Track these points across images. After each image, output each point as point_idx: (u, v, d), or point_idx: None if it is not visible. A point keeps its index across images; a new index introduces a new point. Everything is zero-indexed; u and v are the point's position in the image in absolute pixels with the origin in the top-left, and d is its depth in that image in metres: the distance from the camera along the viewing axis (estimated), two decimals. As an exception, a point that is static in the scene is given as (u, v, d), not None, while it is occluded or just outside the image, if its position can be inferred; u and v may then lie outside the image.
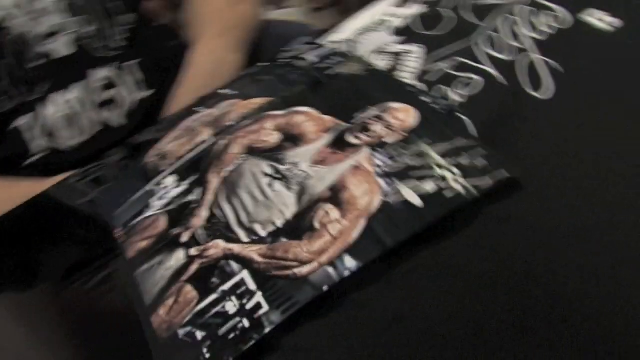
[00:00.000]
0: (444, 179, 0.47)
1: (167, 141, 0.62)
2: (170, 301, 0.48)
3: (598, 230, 0.41)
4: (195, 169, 0.57)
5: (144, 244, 0.53)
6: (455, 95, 0.56)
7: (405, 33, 0.66)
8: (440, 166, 0.48)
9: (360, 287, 0.43)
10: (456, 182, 0.46)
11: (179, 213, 0.54)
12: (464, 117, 0.52)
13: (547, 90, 0.52)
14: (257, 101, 0.62)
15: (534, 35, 0.57)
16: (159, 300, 0.48)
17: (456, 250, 0.44)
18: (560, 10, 0.59)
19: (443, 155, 0.49)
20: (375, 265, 0.43)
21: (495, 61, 0.56)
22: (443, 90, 0.57)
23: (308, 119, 0.57)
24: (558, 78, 0.53)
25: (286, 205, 0.50)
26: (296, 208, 0.49)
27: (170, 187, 0.57)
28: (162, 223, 0.54)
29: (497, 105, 0.53)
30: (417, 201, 0.46)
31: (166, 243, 0.52)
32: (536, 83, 0.53)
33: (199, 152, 0.59)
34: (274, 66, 0.66)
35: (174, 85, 0.78)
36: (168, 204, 0.55)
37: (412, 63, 0.62)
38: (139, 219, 0.56)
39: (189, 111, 0.65)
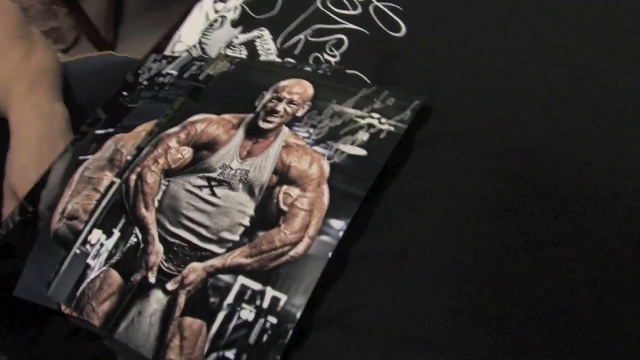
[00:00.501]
0: (371, 126, 0.52)
1: (66, 200, 0.58)
2: (176, 342, 0.46)
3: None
4: (119, 213, 0.54)
5: (106, 306, 0.50)
6: (330, 58, 0.60)
7: (243, 22, 0.69)
8: (361, 117, 0.53)
9: (360, 238, 0.47)
10: (383, 124, 0.52)
11: (129, 260, 0.51)
12: (353, 72, 0.58)
13: (401, 28, 0.60)
14: (143, 127, 0.60)
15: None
16: (162, 347, 0.46)
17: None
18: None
19: (357, 108, 0.54)
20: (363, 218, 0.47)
21: (348, 18, 0.63)
22: (316, 56, 0.61)
23: (209, 124, 0.57)
24: (403, 16, 0.61)
25: (242, 204, 0.51)
26: (254, 203, 0.50)
27: (101, 241, 0.53)
28: (115, 277, 0.51)
29: (370, 53, 0.59)
30: (360, 152, 0.51)
31: (134, 293, 0.50)
32: (391, 25, 0.60)
33: (111, 197, 0.56)
34: (139, 91, 0.64)
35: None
36: (110, 257, 0.52)
37: (267, 45, 0.65)
38: (83, 286, 0.52)
39: (72, 164, 0.60)
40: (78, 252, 0.54)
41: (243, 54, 0.66)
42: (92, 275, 0.52)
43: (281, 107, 0.56)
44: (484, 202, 0.47)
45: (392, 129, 0.51)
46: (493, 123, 0.51)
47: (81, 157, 0.60)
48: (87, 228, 0.55)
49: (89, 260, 0.53)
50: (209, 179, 0.53)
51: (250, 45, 0.66)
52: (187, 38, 0.69)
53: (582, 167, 0.46)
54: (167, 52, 0.69)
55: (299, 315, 0.44)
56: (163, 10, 1.88)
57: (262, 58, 0.64)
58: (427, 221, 0.47)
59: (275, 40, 0.65)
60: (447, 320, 0.42)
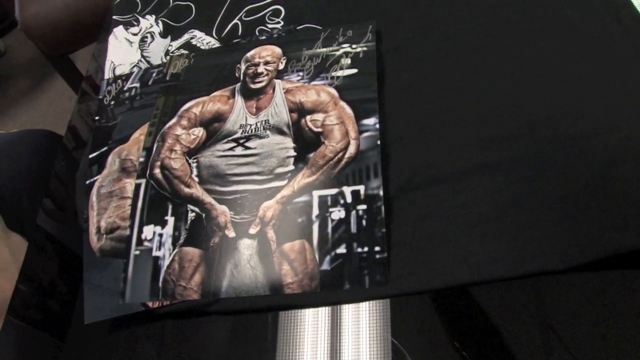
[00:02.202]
0: (346, 53, 0.61)
1: (94, 220, 0.57)
2: (285, 267, 0.50)
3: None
4: (160, 204, 0.56)
5: (197, 278, 0.52)
6: (273, 25, 0.69)
7: (169, 32, 0.74)
8: (334, 51, 0.62)
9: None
10: (356, 49, 0.61)
11: (197, 232, 0.54)
12: (305, 25, 0.66)
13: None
14: (138, 133, 0.62)
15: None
16: (275, 278, 0.50)
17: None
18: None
19: (326, 46, 0.63)
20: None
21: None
22: (259, 28, 0.69)
23: (204, 103, 0.62)
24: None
25: (280, 143, 0.56)
26: (289, 138, 0.56)
27: (157, 232, 0.55)
28: (193, 252, 0.53)
29: (307, 8, 0.69)
30: (352, 71, 0.60)
31: (219, 254, 0.52)
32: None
33: (143, 195, 0.57)
34: (109, 110, 0.66)
35: None
36: (176, 240, 0.54)
37: (205, 40, 0.71)
38: (162, 275, 0.53)
39: (82, 191, 0.60)
40: (137, 252, 0.54)
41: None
42: (165, 262, 0.53)
43: (261, 69, 0.63)
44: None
45: (365, 48, 0.61)
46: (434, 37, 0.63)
47: (88, 181, 0.60)
48: (135, 229, 0.56)
49: (155, 253, 0.54)
50: (236, 140, 0.58)
51: (188, 47, 0.71)
52: (123, 60, 0.72)
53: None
54: (104, 82, 0.71)
55: (381, 193, 0.51)
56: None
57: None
58: (415, 103, 0.57)
59: (209, 34, 0.71)
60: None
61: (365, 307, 0.48)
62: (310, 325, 0.49)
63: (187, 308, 0.52)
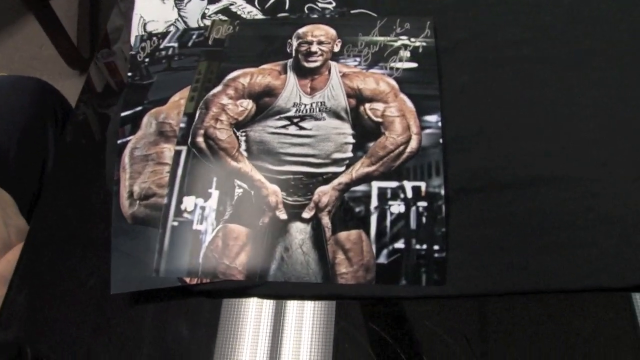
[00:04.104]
0: (405, 45, 0.60)
1: (127, 184, 0.53)
2: (340, 257, 0.48)
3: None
4: (202, 174, 0.53)
5: (242, 258, 0.49)
6: (325, 5, 0.66)
7: (209, -7, 0.70)
8: (392, 41, 0.60)
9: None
10: (414, 42, 0.60)
11: (245, 209, 0.51)
12: (360, 10, 0.64)
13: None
14: (178, 96, 0.58)
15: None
16: (327, 267, 0.48)
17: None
18: None
19: (383, 35, 0.61)
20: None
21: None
22: (310, 6, 0.66)
23: (252, 75, 0.59)
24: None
25: (337, 127, 0.54)
26: (347, 124, 0.54)
27: (199, 204, 0.52)
28: (239, 230, 0.50)
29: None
30: (411, 64, 0.58)
31: (269, 234, 0.50)
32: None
33: (184, 164, 0.54)
34: (144, 68, 0.61)
35: None
36: (219, 216, 0.51)
37: (248, 9, 0.68)
38: (202, 251, 0.50)
39: (112, 150, 0.55)
40: (175, 223, 0.51)
41: (227, 18, 0.67)
42: (207, 237, 0.50)
43: (315, 48, 0.60)
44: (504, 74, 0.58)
45: (424, 43, 0.60)
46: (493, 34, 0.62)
47: (120, 141, 0.56)
48: (174, 199, 0.52)
49: (196, 226, 0.51)
50: (289, 118, 0.55)
51: (227, 12, 0.68)
52: (155, 16, 0.67)
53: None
54: (136, 33, 0.66)
55: (442, 192, 0.50)
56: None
57: (251, 16, 0.67)
58: (471, 106, 0.57)
59: (251, 3, 0.68)
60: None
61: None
62: (254, 311, 0.48)
63: (229, 288, 0.49)
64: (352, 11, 0.65)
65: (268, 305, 0.49)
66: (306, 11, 0.66)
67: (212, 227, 0.50)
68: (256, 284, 0.48)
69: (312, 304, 0.48)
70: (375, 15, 0.64)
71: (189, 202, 0.52)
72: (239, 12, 0.67)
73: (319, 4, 0.66)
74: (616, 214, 0.48)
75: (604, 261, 0.46)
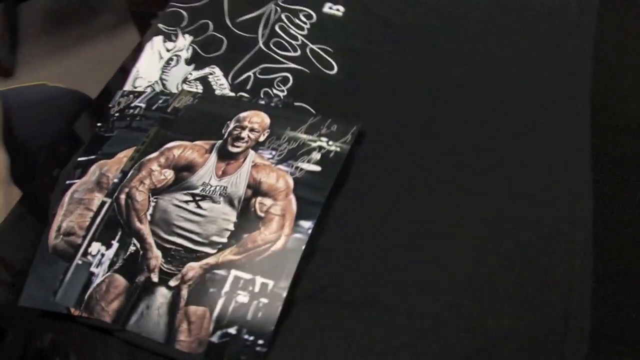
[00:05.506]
0: (321, 147, 0.67)
1: (60, 219, 0.66)
2: (184, 326, 0.58)
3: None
4: (114, 227, 0.64)
5: (115, 305, 0.60)
6: (278, 92, 0.75)
7: (195, 60, 0.81)
8: (312, 141, 0.67)
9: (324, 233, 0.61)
10: (330, 146, 0.67)
11: (131, 265, 0.62)
12: (300, 104, 0.72)
13: (333, 66, 0.76)
14: (124, 154, 0.70)
15: (301, 32, 0.80)
16: (172, 331, 0.58)
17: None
18: (306, 9, 0.82)
19: (307, 133, 0.68)
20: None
21: (289, 58, 0.77)
22: (266, 91, 0.75)
23: (184, 149, 0.69)
24: (333, 56, 0.77)
25: (225, 213, 0.63)
26: (235, 212, 0.63)
27: (101, 252, 0.63)
28: (120, 280, 0.61)
29: (311, 88, 0.74)
30: (316, 168, 0.65)
31: (139, 291, 0.60)
32: (325, 64, 0.76)
33: (105, 214, 0.66)
34: (112, 122, 0.74)
35: None
36: (112, 265, 0.62)
37: (220, 81, 0.78)
38: (90, 290, 0.61)
39: (60, 188, 0.69)
40: (80, 262, 0.63)
41: (199, 88, 0.78)
42: (97, 280, 0.62)
43: (245, 134, 0.69)
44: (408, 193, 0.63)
45: (338, 149, 0.66)
46: (412, 145, 0.68)
47: (68, 182, 0.69)
48: (86, 242, 0.64)
49: (92, 269, 0.62)
50: (193, 195, 0.65)
51: (204, 81, 0.78)
52: (145, 74, 0.80)
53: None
54: (128, 87, 0.79)
55: (284, 294, 0.57)
56: (60, 35, 1.90)
57: (217, 92, 0.77)
58: (368, 215, 0.63)
59: (226, 76, 0.78)
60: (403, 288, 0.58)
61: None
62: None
63: (98, 326, 0.60)
64: (296, 103, 0.73)
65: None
66: (262, 95, 0.75)
67: (102, 273, 0.62)
68: (118, 329, 0.60)
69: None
70: (314, 112, 0.71)
71: (95, 247, 0.64)
72: (212, 83, 0.78)
73: (274, 90, 0.75)
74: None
75: None
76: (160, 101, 0.75)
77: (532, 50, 0.74)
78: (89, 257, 0.63)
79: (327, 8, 0.83)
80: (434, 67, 0.73)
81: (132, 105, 0.75)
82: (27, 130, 0.94)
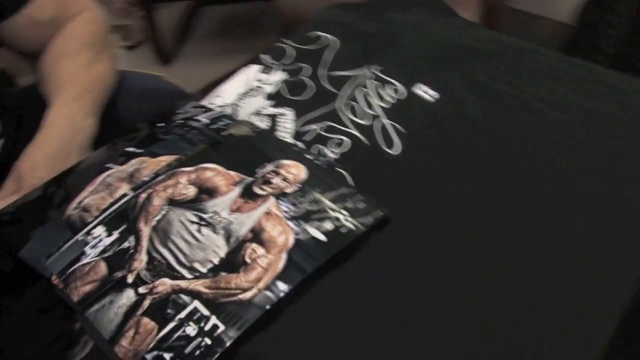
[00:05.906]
0: (337, 219, 0.65)
1: (85, 195, 0.71)
2: (130, 333, 0.58)
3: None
4: (122, 219, 0.67)
5: (87, 288, 0.62)
6: (330, 153, 0.74)
7: (276, 98, 0.83)
8: (332, 209, 0.66)
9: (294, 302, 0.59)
10: (347, 221, 0.65)
11: (118, 258, 0.64)
12: (341, 171, 0.71)
13: (397, 147, 0.74)
14: (165, 158, 0.73)
15: (382, 104, 0.79)
16: (119, 333, 0.58)
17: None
18: (397, 84, 0.82)
19: (332, 201, 0.67)
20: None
21: (357, 125, 0.76)
22: (320, 148, 0.75)
23: (216, 174, 0.71)
24: (402, 137, 0.75)
25: (217, 246, 0.63)
26: (227, 248, 0.63)
27: (101, 237, 0.66)
28: (102, 268, 0.63)
29: (364, 161, 0.73)
30: (321, 237, 0.63)
31: (112, 285, 0.62)
32: (389, 142, 0.74)
33: (121, 204, 0.69)
34: (172, 127, 0.78)
35: (27, 139, 0.82)
36: (103, 252, 0.65)
37: (287, 124, 0.79)
38: (75, 266, 0.64)
39: (100, 167, 0.73)
40: (80, 238, 0.66)
41: (265, 123, 0.80)
42: (84, 260, 0.64)
43: (275, 180, 0.69)
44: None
45: (353, 227, 0.64)
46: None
47: (107, 165, 0.74)
48: (94, 222, 0.67)
49: (86, 248, 0.65)
50: (200, 218, 0.66)
51: (272, 118, 0.80)
52: (226, 95, 0.83)
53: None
54: (206, 101, 0.83)
55: (228, 344, 0.56)
56: (226, 45, 2.06)
57: (278, 133, 0.78)
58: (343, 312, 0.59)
59: (295, 121, 0.79)
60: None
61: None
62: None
63: (65, 301, 0.63)
64: (337, 168, 0.72)
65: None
66: (317, 152, 0.74)
67: (92, 256, 0.65)
68: (78, 310, 0.61)
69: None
70: (352, 183, 0.70)
71: (98, 230, 0.67)
72: (278, 123, 0.79)
73: (327, 149, 0.74)
74: None
75: None
76: (222, 123, 0.78)
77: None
78: (89, 238, 0.66)
79: (420, 90, 0.81)
80: (499, 179, 0.68)
81: (196, 118, 0.79)
82: (126, 111, 1.02)
